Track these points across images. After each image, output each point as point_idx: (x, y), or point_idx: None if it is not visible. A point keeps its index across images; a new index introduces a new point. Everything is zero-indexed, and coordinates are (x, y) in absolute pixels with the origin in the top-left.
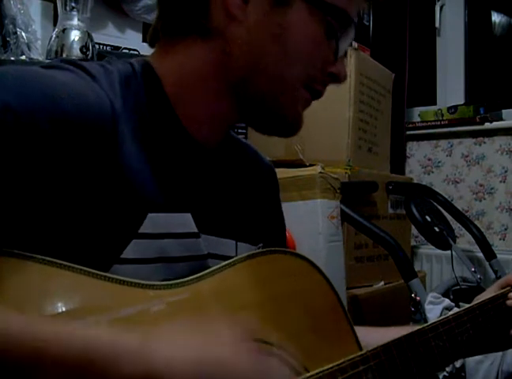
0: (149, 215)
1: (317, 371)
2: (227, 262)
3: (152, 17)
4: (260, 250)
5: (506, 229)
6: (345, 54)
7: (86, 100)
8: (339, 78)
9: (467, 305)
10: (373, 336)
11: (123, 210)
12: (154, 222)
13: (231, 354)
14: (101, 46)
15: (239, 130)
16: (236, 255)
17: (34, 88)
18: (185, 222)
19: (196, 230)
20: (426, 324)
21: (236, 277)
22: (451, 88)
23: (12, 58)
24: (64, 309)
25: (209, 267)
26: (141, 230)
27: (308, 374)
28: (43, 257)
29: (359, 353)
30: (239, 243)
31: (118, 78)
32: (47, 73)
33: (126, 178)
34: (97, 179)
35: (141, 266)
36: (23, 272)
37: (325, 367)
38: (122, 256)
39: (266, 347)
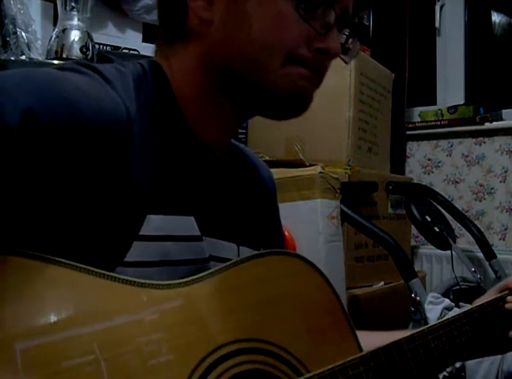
0: (149, 216)
1: (318, 372)
2: (228, 263)
3: (152, 17)
4: (260, 252)
5: (506, 229)
6: (338, 28)
7: (102, 105)
8: (329, 53)
9: (467, 306)
10: (376, 340)
11: (123, 211)
12: (155, 224)
13: None
14: (101, 46)
15: (239, 130)
16: None
17: (53, 92)
18: (188, 225)
19: (199, 233)
20: (425, 326)
21: (237, 278)
22: (451, 88)
23: (12, 58)
24: (75, 310)
25: None
26: (142, 232)
27: (309, 375)
28: (54, 258)
29: (360, 354)
30: (240, 247)
31: (131, 81)
32: (63, 76)
33: (131, 180)
34: (106, 182)
35: (144, 269)
36: (33, 272)
37: (326, 368)
38: (126, 259)
39: (267, 347)
